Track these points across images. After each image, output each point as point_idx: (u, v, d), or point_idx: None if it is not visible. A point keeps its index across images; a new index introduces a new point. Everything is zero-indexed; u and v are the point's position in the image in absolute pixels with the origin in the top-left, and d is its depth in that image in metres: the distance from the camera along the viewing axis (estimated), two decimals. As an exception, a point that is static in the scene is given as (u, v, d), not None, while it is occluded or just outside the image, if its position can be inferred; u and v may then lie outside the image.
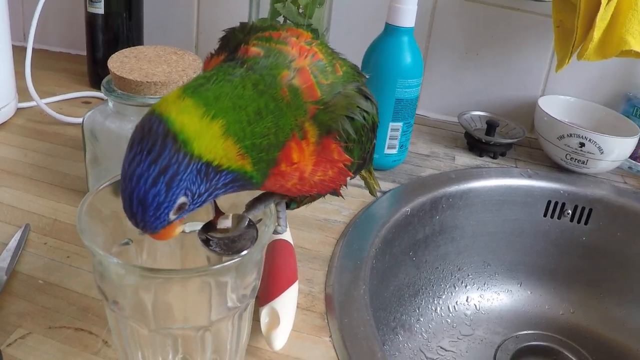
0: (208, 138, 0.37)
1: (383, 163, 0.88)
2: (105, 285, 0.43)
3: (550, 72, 1.04)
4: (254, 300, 0.48)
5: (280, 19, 0.89)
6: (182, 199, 0.37)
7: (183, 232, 0.47)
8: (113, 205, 0.46)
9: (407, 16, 0.80)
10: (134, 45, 1.01)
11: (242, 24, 0.49)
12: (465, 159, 0.97)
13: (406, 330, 0.87)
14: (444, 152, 0.98)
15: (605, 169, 0.94)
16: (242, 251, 0.42)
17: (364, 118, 0.45)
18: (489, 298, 0.97)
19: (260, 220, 0.47)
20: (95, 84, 1.06)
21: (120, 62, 0.68)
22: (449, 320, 0.93)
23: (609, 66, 0.98)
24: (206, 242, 0.44)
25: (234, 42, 0.46)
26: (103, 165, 0.71)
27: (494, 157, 0.98)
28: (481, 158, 0.98)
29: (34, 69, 0.91)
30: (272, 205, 0.48)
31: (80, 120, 0.91)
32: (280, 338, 0.54)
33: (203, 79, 0.39)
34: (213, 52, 0.48)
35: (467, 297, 0.96)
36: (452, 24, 1.04)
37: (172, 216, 0.38)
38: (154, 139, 0.36)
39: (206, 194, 0.38)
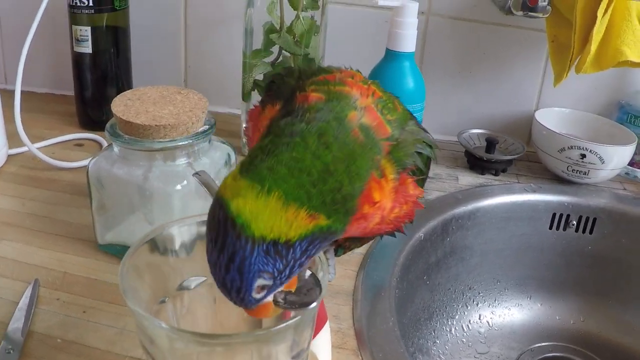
0: (267, 216, 0.35)
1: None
2: (155, 349, 0.42)
3: (544, 86, 1.04)
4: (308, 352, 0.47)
5: (275, 49, 0.88)
6: (259, 282, 0.36)
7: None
8: (150, 261, 0.45)
9: (408, 41, 0.80)
10: (123, 84, 1.00)
11: (287, 68, 0.48)
12: (468, 178, 0.97)
13: (424, 354, 0.87)
14: (447, 173, 0.98)
15: (606, 178, 0.95)
16: (312, 303, 0.41)
17: (429, 152, 0.45)
18: (500, 314, 0.97)
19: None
20: (86, 125, 1.03)
21: (125, 106, 0.66)
22: (465, 340, 0.92)
23: (601, 76, 0.99)
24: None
25: (285, 88, 0.44)
26: (110, 212, 0.69)
27: (496, 174, 0.98)
28: (483, 176, 0.98)
29: (21, 112, 0.88)
30: (322, 253, 0.47)
31: (75, 164, 0.90)
32: (322, 381, 0.53)
33: (258, 150, 0.37)
34: (262, 102, 0.47)
35: (480, 315, 0.95)
36: (444, 44, 1.04)
37: (256, 296, 0.37)
38: (217, 226, 0.36)
39: (288, 269, 0.37)
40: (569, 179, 0.96)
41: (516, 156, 0.98)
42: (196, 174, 0.58)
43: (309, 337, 0.44)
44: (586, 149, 0.91)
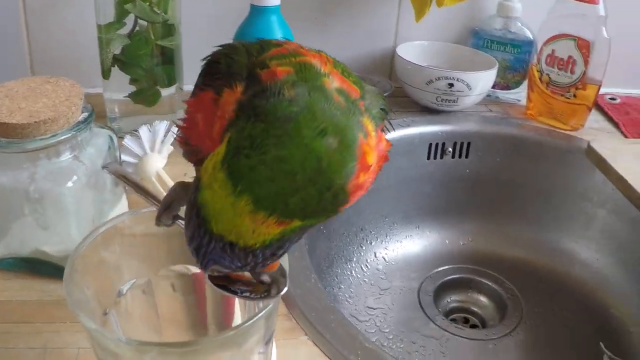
0: (229, 217, 0.33)
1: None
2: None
3: (400, 20, 1.06)
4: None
5: (129, 19, 0.83)
6: (215, 266, 0.35)
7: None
8: (90, 271, 0.42)
9: (273, -7, 0.78)
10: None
11: (229, 46, 0.42)
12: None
13: (333, 301, 0.88)
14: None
15: (473, 103, 1.00)
16: (281, 291, 0.39)
17: (387, 108, 0.43)
18: (393, 248, 1.00)
19: None
20: None
21: (-7, 106, 0.60)
22: (366, 280, 0.94)
23: (454, 5, 1.02)
24: (232, 291, 0.40)
25: (237, 68, 0.39)
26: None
27: (369, 114, 0.99)
28: (359, 117, 0.99)
29: None
30: None
31: None
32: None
33: (247, 139, 0.34)
34: (211, 86, 0.40)
35: (375, 253, 0.98)
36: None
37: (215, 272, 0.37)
38: (189, 203, 0.35)
39: (248, 267, 0.36)
40: (439, 109, 1.00)
41: (385, 94, 0.99)
42: (105, 167, 0.54)
43: (274, 325, 0.43)
44: (453, 78, 0.94)
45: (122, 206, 0.70)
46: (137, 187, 0.53)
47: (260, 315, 0.38)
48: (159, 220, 0.47)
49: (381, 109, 0.40)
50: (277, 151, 0.33)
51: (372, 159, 0.37)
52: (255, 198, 0.33)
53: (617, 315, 0.91)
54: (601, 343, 0.87)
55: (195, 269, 0.50)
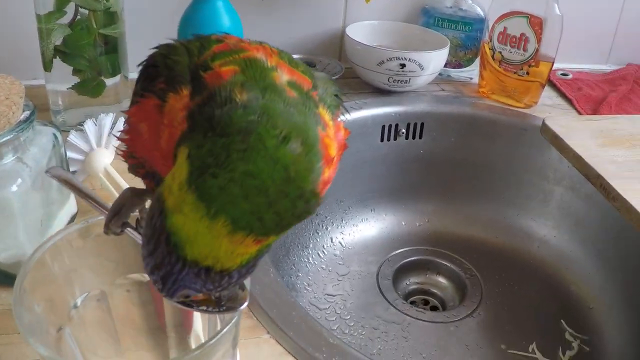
0: (205, 242, 0.31)
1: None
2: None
3: (349, 1, 1.04)
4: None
5: (69, 8, 0.78)
6: (184, 291, 0.33)
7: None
8: (39, 290, 0.39)
9: (219, -23, 0.75)
10: None
11: (166, 46, 0.39)
12: (297, 107, 0.95)
13: (291, 290, 0.86)
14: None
15: (425, 83, 0.99)
16: (243, 304, 0.37)
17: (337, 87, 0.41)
18: (349, 232, 0.99)
19: None
20: None
21: None
22: (324, 266, 0.93)
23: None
24: (187, 305, 0.37)
25: (180, 69, 0.36)
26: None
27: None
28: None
29: None
30: None
31: None
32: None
33: (209, 156, 0.31)
34: (153, 92, 0.37)
35: (331, 238, 0.97)
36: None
37: (182, 298, 0.34)
38: (152, 230, 0.32)
39: (220, 289, 0.33)
40: (391, 90, 0.98)
41: (336, 76, 0.98)
42: (47, 171, 0.51)
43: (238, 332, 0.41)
44: (405, 59, 0.93)
45: (71, 205, 0.67)
46: (81, 193, 0.50)
47: (225, 330, 0.36)
48: (107, 228, 0.44)
49: (335, 95, 0.39)
50: (244, 166, 0.31)
51: (334, 150, 0.35)
52: (232, 219, 0.31)
53: (577, 292, 0.92)
54: (562, 321, 0.88)
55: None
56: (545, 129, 0.91)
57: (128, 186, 0.67)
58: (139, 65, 0.40)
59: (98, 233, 0.45)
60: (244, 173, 0.31)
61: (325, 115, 0.36)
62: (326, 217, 0.96)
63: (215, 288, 0.33)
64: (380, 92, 1.00)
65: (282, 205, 0.32)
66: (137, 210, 0.46)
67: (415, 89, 0.99)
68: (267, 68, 0.35)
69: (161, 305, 0.49)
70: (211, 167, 0.31)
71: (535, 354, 0.83)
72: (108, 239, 0.45)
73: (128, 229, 0.45)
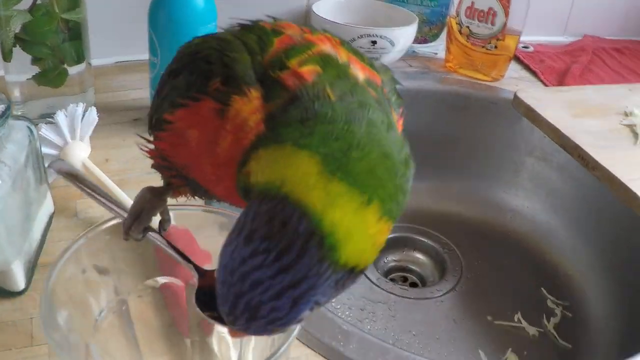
0: (360, 236, 0.28)
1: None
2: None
3: (312, -22, 1.02)
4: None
5: None
6: (304, 314, 0.29)
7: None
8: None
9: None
10: None
11: (220, 39, 0.35)
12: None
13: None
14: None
15: (394, 59, 0.98)
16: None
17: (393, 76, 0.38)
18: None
19: None
20: None
21: None
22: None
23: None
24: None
25: (242, 69, 0.32)
26: None
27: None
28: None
29: None
30: None
31: None
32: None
33: (340, 142, 0.28)
34: (209, 94, 0.33)
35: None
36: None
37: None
38: (290, 240, 0.27)
39: (338, 293, 0.30)
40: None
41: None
42: (49, 166, 0.48)
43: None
44: (376, 35, 0.91)
45: (48, 205, 0.63)
46: (93, 190, 0.47)
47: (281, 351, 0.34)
48: (127, 235, 0.41)
49: (396, 91, 0.37)
50: (379, 149, 0.29)
51: None
52: (381, 203, 0.28)
53: (554, 260, 0.93)
54: (543, 289, 0.90)
55: (171, 281, 0.45)
56: (517, 102, 0.92)
57: (111, 181, 0.65)
58: (180, 52, 0.37)
59: (112, 240, 0.42)
60: (382, 155, 0.29)
61: (394, 114, 0.35)
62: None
63: (332, 297, 0.30)
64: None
65: (403, 184, 0.31)
66: (158, 213, 0.43)
67: (384, 66, 0.98)
68: (341, 65, 0.33)
69: (178, 311, 0.47)
70: (349, 150, 0.28)
71: (522, 323, 0.85)
72: (121, 243, 0.42)
73: (150, 233, 0.42)
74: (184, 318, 0.47)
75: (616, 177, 0.77)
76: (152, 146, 0.39)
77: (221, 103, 0.32)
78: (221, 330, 0.47)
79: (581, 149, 0.82)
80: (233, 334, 0.32)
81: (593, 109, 0.91)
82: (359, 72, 0.33)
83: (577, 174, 0.91)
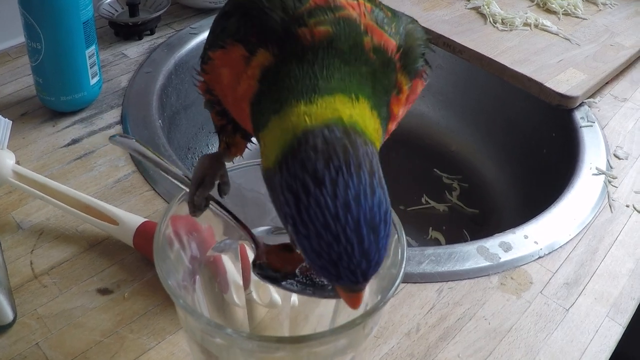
0: (368, 121, 0.34)
1: (93, 95, 0.78)
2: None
3: None
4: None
5: None
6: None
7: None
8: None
9: None
10: None
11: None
12: (134, 49, 0.91)
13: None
14: (111, 54, 0.90)
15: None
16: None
17: (427, 44, 0.42)
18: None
19: None
20: None
21: None
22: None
23: None
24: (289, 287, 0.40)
25: (272, 24, 0.36)
26: None
27: (152, 33, 0.94)
28: (142, 40, 0.93)
29: None
30: None
31: None
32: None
33: (302, 75, 0.34)
34: (241, 41, 0.37)
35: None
36: None
37: None
38: (336, 150, 0.31)
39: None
40: (217, 7, 0.98)
41: (163, 10, 0.94)
42: (112, 137, 0.47)
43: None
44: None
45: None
46: (156, 162, 0.47)
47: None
48: (193, 206, 0.43)
49: (422, 55, 0.40)
50: (345, 67, 0.35)
51: (398, 109, 0.39)
52: (367, 98, 0.35)
53: (439, 142, 1.03)
54: (435, 169, 1.00)
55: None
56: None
57: (44, 180, 0.62)
58: (227, 5, 0.40)
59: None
60: (349, 70, 0.36)
61: (402, 80, 0.38)
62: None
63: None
64: (206, 13, 0.99)
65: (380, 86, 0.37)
66: (218, 177, 0.45)
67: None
68: (358, 32, 0.36)
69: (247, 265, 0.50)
70: (314, 76, 0.34)
71: (430, 203, 0.95)
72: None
73: (211, 203, 0.43)
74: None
75: (484, 55, 0.88)
76: (202, 79, 0.43)
77: (249, 52, 0.37)
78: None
79: (445, 37, 0.91)
80: (350, 298, 0.34)
81: (439, 0, 1.01)
82: (374, 39, 0.37)
83: (442, 62, 1.01)
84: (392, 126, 0.39)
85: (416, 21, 0.42)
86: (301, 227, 0.31)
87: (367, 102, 0.34)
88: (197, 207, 0.43)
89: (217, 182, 0.45)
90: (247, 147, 0.47)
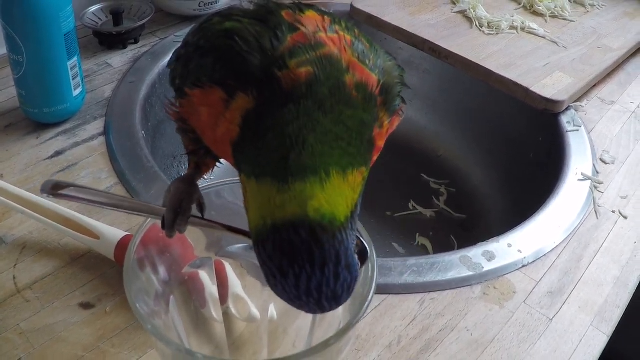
0: (339, 195, 0.34)
1: (76, 106, 0.78)
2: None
3: None
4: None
5: None
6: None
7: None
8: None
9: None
10: None
11: (237, 34, 0.37)
12: (118, 58, 0.90)
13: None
14: (95, 64, 0.90)
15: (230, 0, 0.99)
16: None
17: (403, 82, 0.42)
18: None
19: None
20: None
21: None
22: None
23: None
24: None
25: (253, 69, 0.36)
26: None
27: (136, 42, 0.93)
28: (127, 49, 0.92)
29: None
30: None
31: None
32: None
33: (274, 151, 0.34)
34: (219, 84, 0.37)
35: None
36: None
37: None
38: (303, 248, 0.32)
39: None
40: (202, 14, 0.97)
41: (147, 18, 0.93)
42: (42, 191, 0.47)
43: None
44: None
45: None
46: (106, 202, 0.47)
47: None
48: (171, 231, 0.43)
49: (399, 94, 0.41)
50: (314, 135, 0.34)
51: (381, 141, 0.39)
52: (337, 165, 0.34)
53: (425, 147, 1.03)
54: (422, 175, 1.00)
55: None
56: (356, 12, 0.98)
57: (24, 194, 0.62)
58: (201, 40, 0.40)
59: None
60: (317, 135, 0.35)
61: (383, 115, 0.39)
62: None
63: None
64: (191, 20, 0.98)
65: (358, 140, 0.37)
66: (195, 200, 0.45)
67: (223, 5, 0.99)
68: (340, 70, 0.36)
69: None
70: (286, 154, 0.34)
71: (417, 209, 0.94)
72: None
73: (192, 219, 0.43)
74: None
75: (470, 60, 0.87)
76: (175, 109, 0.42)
77: (228, 95, 0.37)
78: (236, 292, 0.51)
79: (430, 42, 0.91)
80: None
81: (424, 4, 1.00)
82: (355, 76, 0.37)
83: (428, 67, 1.00)
84: (375, 157, 0.39)
85: (394, 58, 0.42)
86: (273, 289, 0.34)
87: (340, 173, 0.34)
88: (179, 231, 0.43)
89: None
90: (216, 165, 0.47)
